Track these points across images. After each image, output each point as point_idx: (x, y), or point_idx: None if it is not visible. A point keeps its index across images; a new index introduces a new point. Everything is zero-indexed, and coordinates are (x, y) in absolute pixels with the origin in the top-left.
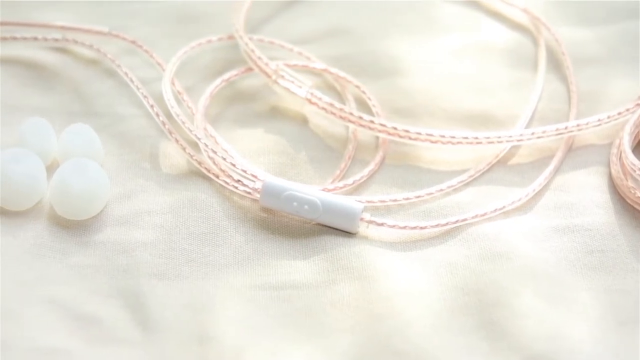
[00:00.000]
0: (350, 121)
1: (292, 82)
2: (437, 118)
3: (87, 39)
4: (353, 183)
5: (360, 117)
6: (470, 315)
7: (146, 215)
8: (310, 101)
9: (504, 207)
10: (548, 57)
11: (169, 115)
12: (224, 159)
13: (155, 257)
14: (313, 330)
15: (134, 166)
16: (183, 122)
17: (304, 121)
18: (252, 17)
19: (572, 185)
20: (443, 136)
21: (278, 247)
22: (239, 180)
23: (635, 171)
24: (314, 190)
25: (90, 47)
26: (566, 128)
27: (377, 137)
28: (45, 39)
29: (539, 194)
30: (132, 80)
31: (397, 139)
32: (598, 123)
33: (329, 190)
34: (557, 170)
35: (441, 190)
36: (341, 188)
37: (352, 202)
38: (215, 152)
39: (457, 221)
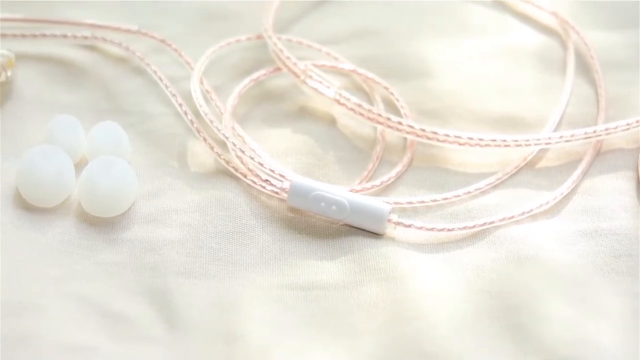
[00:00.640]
0: (378, 122)
1: (321, 82)
2: (465, 120)
3: (117, 37)
4: (380, 184)
5: (389, 118)
6: (497, 318)
7: (173, 214)
8: (338, 102)
9: (531, 210)
10: (577, 60)
11: (197, 114)
12: (252, 158)
13: (183, 255)
14: (339, 331)
15: (162, 164)
16: (211, 121)
17: (332, 121)
18: (281, 17)
19: (600, 189)
20: (471, 138)
21: (305, 247)
22: (266, 180)
23: None
24: (342, 191)
25: (120, 45)
26: (594, 132)
27: (405, 139)
28: (75, 37)
29: (566, 198)
30: (160, 79)
31: (425, 140)
32: (627, 127)
33: (356, 191)
34: (585, 174)
35: (469, 192)
36: (369, 189)
37: (379, 204)
38: (243, 152)
39: (484, 224)
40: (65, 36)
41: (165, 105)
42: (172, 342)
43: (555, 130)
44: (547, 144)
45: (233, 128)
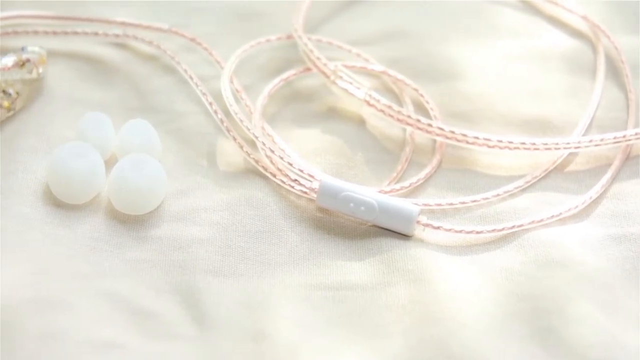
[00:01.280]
0: (408, 124)
1: (351, 83)
2: (494, 123)
3: (147, 35)
4: (409, 186)
5: (418, 120)
6: (525, 321)
7: (203, 212)
8: (368, 103)
9: (560, 213)
10: (607, 64)
11: (227, 113)
12: (281, 157)
13: (211, 253)
14: (367, 332)
15: (191, 163)
16: (241, 120)
17: (361, 122)
18: (311, 17)
19: (629, 193)
20: (500, 141)
21: (334, 248)
22: (295, 180)
23: None
24: (371, 192)
25: (150, 43)
26: (624, 136)
27: (434, 141)
28: (106, 35)
29: (595, 202)
30: (191, 77)
31: (454, 142)
32: None
33: (385, 192)
34: (614, 179)
35: (497, 195)
36: (397, 190)
37: (408, 205)
38: (272, 151)
39: (513, 227)
40: (96, 34)
41: (195, 104)
42: (201, 340)
43: (585, 134)
44: (576, 147)
45: (263, 127)
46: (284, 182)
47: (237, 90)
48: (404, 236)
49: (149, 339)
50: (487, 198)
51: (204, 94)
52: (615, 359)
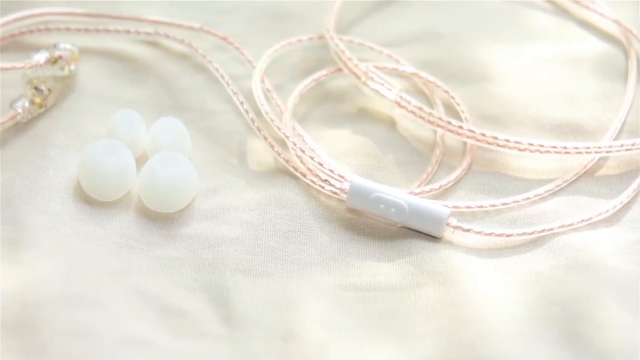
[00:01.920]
0: (439, 126)
1: (382, 84)
2: (525, 126)
3: (179, 33)
4: (439, 188)
5: (449, 122)
6: (554, 325)
7: (232, 211)
8: (399, 104)
9: (590, 218)
10: (638, 69)
11: (258, 113)
12: (312, 158)
13: (241, 252)
14: (396, 333)
15: (222, 162)
16: (272, 120)
17: (391, 124)
18: (342, 18)
19: None
20: (531, 144)
21: (363, 249)
22: (326, 180)
23: None
24: (401, 193)
25: (182, 41)
26: None
27: (465, 143)
28: (138, 33)
29: (626, 207)
30: (222, 76)
31: (485, 145)
32: None
33: (415, 194)
34: None
35: (528, 198)
36: (427, 192)
37: (438, 207)
38: (303, 151)
39: (543, 230)
40: (128, 32)
41: (226, 102)
42: (230, 338)
43: (616, 138)
44: (607, 152)
45: (293, 127)
46: (314, 182)
47: (268, 90)
48: (434, 238)
49: (178, 336)
50: (517, 201)
51: (235, 93)
52: None
